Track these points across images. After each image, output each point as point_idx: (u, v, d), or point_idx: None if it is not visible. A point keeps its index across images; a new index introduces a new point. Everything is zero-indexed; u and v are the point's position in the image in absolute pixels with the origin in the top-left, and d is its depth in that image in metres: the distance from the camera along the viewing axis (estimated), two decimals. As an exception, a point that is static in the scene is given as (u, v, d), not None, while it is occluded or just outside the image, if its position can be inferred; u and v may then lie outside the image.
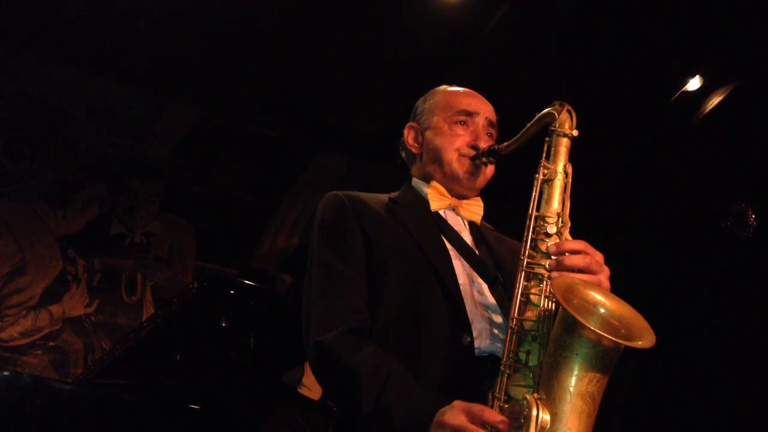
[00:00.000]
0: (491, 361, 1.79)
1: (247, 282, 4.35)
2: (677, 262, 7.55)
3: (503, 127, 1.99)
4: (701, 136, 6.56)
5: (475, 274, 1.97)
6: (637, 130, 6.69)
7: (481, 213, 2.17)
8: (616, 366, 1.61)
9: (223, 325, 3.84)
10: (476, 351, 1.82)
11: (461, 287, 1.91)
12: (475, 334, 1.84)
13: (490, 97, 2.28)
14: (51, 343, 6.27)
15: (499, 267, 2.04)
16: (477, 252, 2.05)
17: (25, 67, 5.96)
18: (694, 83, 6.31)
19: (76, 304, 6.44)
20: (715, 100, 6.32)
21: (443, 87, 2.31)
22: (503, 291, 1.94)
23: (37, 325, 6.23)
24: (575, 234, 1.77)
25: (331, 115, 6.48)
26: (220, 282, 3.96)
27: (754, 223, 4.63)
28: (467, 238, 2.09)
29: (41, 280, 6.33)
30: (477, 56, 5.91)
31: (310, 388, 6.33)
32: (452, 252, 2.00)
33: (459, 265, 1.97)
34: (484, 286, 1.95)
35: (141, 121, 6.55)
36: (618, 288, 1.74)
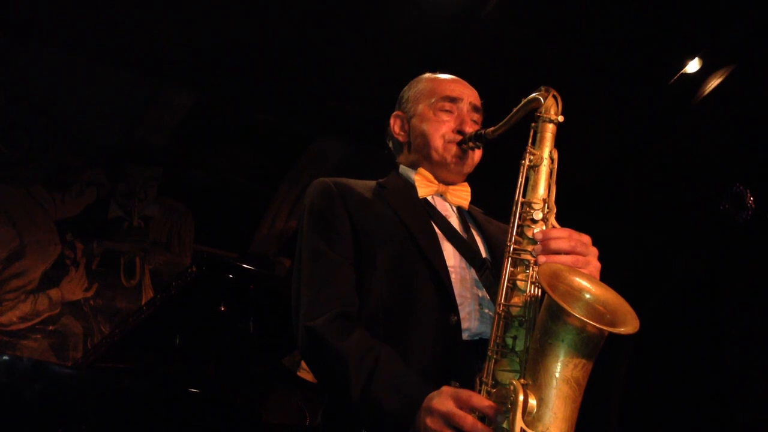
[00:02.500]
0: (479, 343, 1.81)
1: (245, 266, 4.34)
2: (676, 244, 7.57)
3: (506, 109, 1.98)
4: (700, 119, 6.56)
5: (463, 257, 1.98)
6: (636, 113, 6.69)
7: (469, 198, 2.17)
8: (613, 351, 1.62)
9: (222, 308, 3.84)
10: (464, 332, 1.83)
11: (450, 269, 1.91)
12: (462, 315, 1.85)
13: (489, 80, 2.28)
14: (50, 327, 6.28)
15: (491, 248, 2.05)
16: (465, 236, 2.05)
17: (22, 54, 5.94)
18: (693, 65, 6.30)
19: (75, 288, 6.45)
20: (714, 83, 6.31)
21: (427, 74, 2.31)
22: (491, 274, 1.95)
23: (37, 309, 6.24)
24: (574, 216, 1.77)
25: (329, 99, 6.47)
26: (219, 266, 3.95)
27: (753, 206, 4.62)
28: (455, 223, 2.10)
29: (40, 265, 6.34)
30: (476, 38, 5.90)
31: (309, 371, 6.35)
32: (440, 235, 2.01)
33: (448, 248, 1.98)
34: (473, 269, 1.96)
35: (138, 106, 6.54)
36: (616, 272, 1.75)
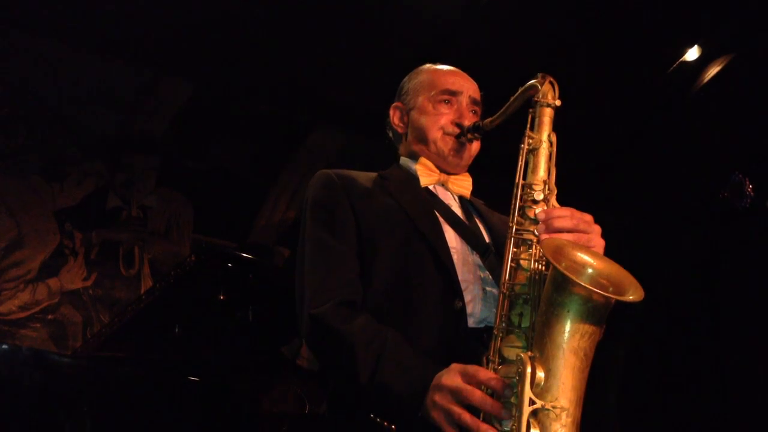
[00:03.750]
0: (485, 329, 1.81)
1: (244, 255, 4.35)
2: (675, 233, 7.57)
3: (504, 97, 1.99)
4: (699, 107, 6.55)
5: (467, 243, 1.98)
6: (635, 101, 6.68)
7: (470, 188, 2.19)
8: (614, 332, 1.63)
9: (221, 297, 3.85)
10: (469, 317, 1.84)
11: (453, 255, 1.92)
12: (467, 300, 1.86)
13: (489, 70, 2.28)
14: (50, 317, 6.28)
15: (493, 236, 2.06)
16: (468, 223, 2.06)
17: (18, 43, 5.92)
18: (692, 53, 6.29)
19: (74, 278, 6.45)
20: (713, 71, 6.30)
21: (427, 66, 2.32)
22: (495, 259, 1.95)
23: (36, 299, 6.24)
24: (571, 205, 1.78)
25: (328, 89, 6.46)
26: (218, 255, 3.96)
27: (752, 194, 4.61)
28: (457, 211, 2.11)
29: (39, 254, 6.33)
30: (476, 28, 5.88)
31: (309, 359, 6.36)
32: (443, 222, 2.01)
33: (450, 235, 1.99)
34: (476, 255, 1.96)
35: (136, 96, 6.52)
36: (615, 259, 1.75)
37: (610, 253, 1.72)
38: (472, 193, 2.20)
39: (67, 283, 6.40)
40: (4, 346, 3.12)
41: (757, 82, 6.10)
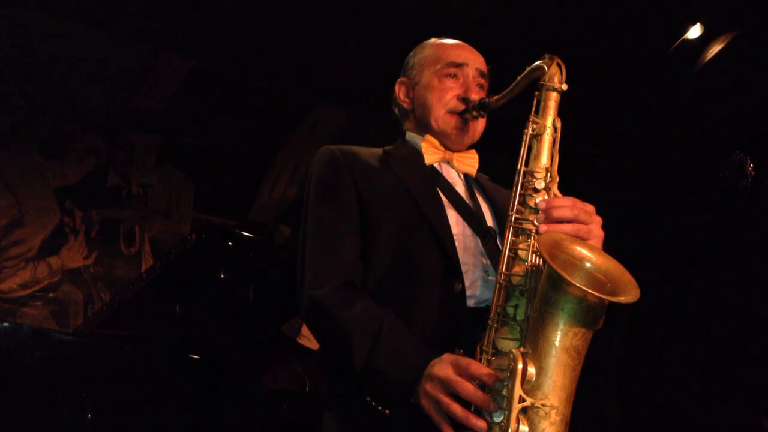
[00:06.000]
0: (485, 310, 1.80)
1: (245, 233, 4.35)
2: (676, 212, 7.57)
3: (508, 78, 1.96)
4: (701, 86, 6.52)
5: (468, 225, 1.97)
6: (636, 79, 6.65)
7: (476, 165, 2.15)
8: (610, 318, 1.62)
9: (222, 276, 3.85)
10: (469, 300, 1.84)
11: (455, 237, 1.91)
12: (467, 283, 1.85)
13: (489, 47, 2.26)
14: (51, 295, 6.30)
15: (497, 216, 2.05)
16: (471, 204, 2.05)
17: (19, 20, 5.89)
18: (694, 31, 6.25)
19: (74, 256, 6.46)
20: (715, 49, 6.27)
21: (432, 40, 2.28)
22: (496, 242, 1.95)
23: (37, 277, 6.26)
24: (574, 184, 1.76)
25: (329, 65, 6.43)
26: (219, 234, 3.96)
27: (753, 173, 4.61)
28: (461, 190, 2.08)
29: (39, 232, 6.34)
30: (479, 4, 5.84)
31: (309, 338, 6.38)
32: (446, 203, 2.00)
33: (453, 216, 1.97)
34: (478, 237, 1.96)
35: (136, 72, 6.49)
36: (616, 239, 1.74)
37: (609, 233, 1.72)
38: (479, 169, 2.18)
39: (67, 261, 6.42)
40: (5, 324, 3.12)
41: (760, 61, 6.07)
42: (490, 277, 1.89)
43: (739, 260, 7.08)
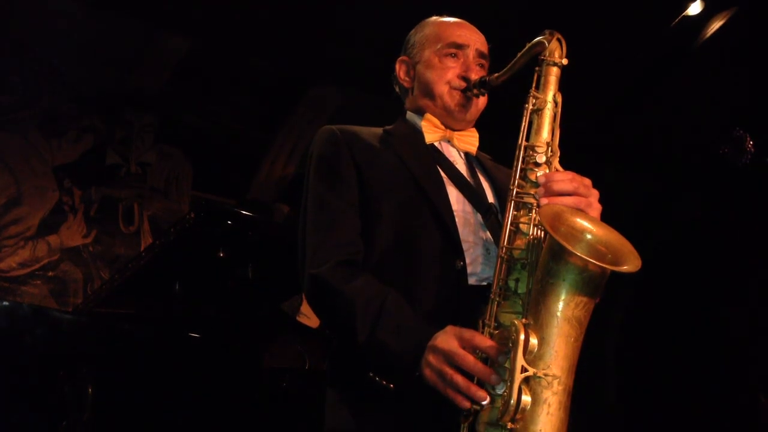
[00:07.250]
0: (486, 288, 1.80)
1: (243, 212, 4.34)
2: (675, 188, 7.57)
3: (506, 54, 1.96)
4: (701, 62, 6.50)
5: (469, 202, 1.98)
6: (636, 56, 6.62)
7: (477, 144, 2.15)
8: (610, 292, 1.63)
9: (221, 254, 3.85)
10: (470, 277, 1.84)
11: (455, 214, 1.92)
12: (468, 260, 1.85)
13: (490, 24, 2.24)
14: (50, 273, 6.31)
15: (498, 194, 2.05)
16: (471, 182, 2.04)
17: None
18: (695, 7, 6.22)
19: (73, 234, 6.46)
20: (716, 25, 6.24)
21: (434, 18, 2.26)
22: (497, 219, 1.94)
23: (36, 256, 6.26)
24: (573, 162, 1.77)
25: (328, 44, 6.40)
26: (217, 212, 3.96)
27: (752, 150, 4.61)
28: (462, 168, 2.08)
29: (38, 211, 6.33)
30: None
31: (309, 316, 6.39)
32: (447, 181, 2.00)
33: (453, 193, 1.97)
34: (479, 214, 1.96)
35: (133, 51, 6.46)
36: (615, 215, 1.74)
37: (610, 210, 1.72)
38: (479, 148, 2.18)
39: (67, 239, 6.42)
40: (5, 303, 3.13)
41: (760, 37, 6.05)
42: (491, 254, 1.89)
43: (738, 237, 7.09)
